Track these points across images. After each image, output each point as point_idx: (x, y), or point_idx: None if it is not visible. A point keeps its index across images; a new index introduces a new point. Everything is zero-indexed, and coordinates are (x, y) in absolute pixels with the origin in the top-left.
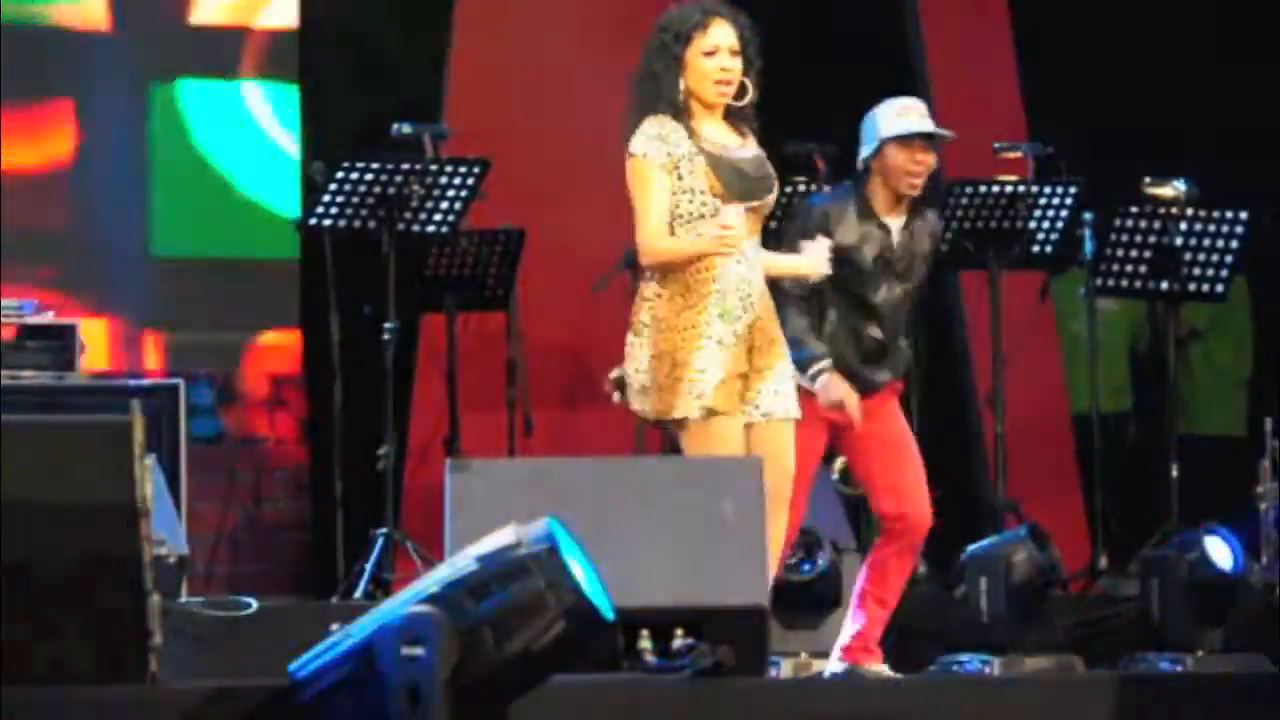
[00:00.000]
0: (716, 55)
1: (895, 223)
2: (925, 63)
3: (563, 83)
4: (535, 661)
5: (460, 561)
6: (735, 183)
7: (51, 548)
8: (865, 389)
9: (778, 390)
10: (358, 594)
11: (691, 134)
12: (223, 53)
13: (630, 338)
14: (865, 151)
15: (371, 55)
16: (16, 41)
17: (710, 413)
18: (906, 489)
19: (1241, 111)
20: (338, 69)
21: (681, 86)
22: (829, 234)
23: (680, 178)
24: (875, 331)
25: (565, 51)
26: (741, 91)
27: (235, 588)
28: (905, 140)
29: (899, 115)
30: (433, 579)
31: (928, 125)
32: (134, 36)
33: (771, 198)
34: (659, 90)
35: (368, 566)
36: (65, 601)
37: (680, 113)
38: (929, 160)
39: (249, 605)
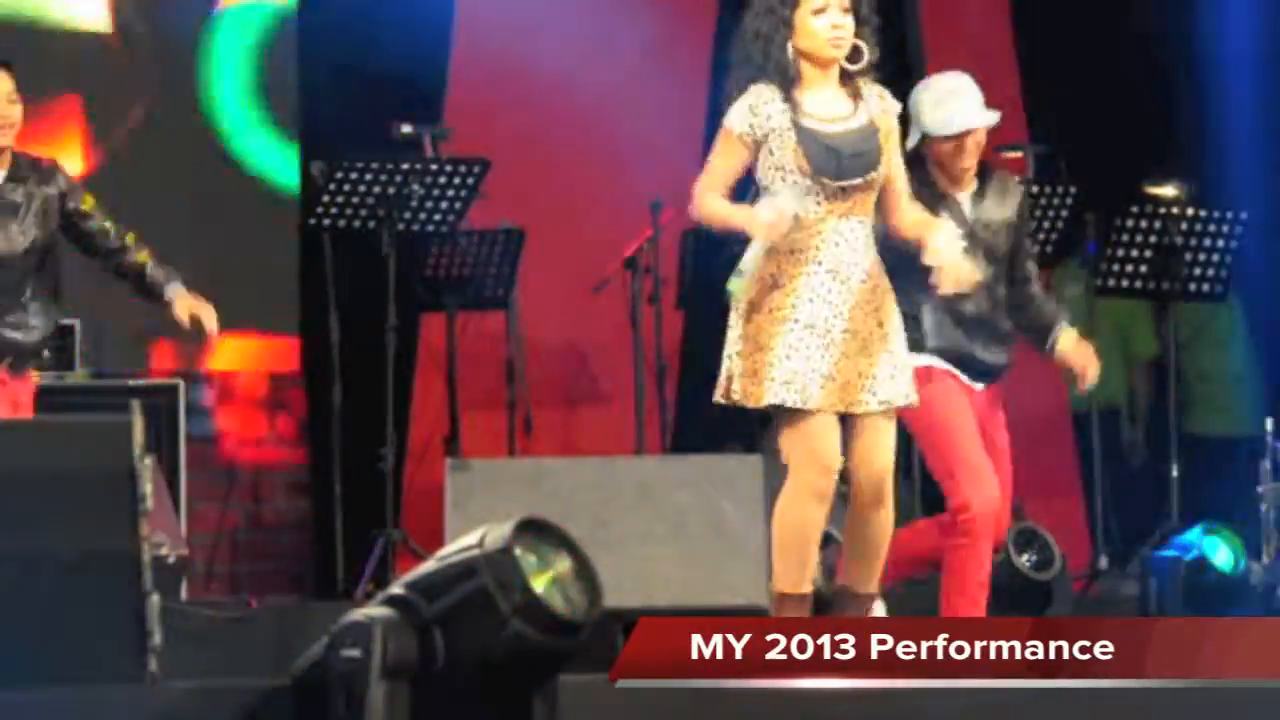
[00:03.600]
0: (826, 12)
1: (964, 195)
2: (925, 62)
3: (563, 83)
4: (496, 662)
5: (429, 562)
6: (824, 162)
7: (51, 547)
8: (985, 374)
9: (890, 375)
10: (358, 594)
11: (793, 106)
12: (224, 52)
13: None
14: (911, 140)
15: (371, 55)
16: (17, 39)
17: (805, 407)
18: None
19: (1241, 111)
20: (338, 68)
21: (790, 50)
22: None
23: (771, 153)
24: (970, 308)
25: (565, 52)
26: (856, 54)
27: (235, 588)
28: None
29: (940, 104)
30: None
31: (973, 114)
32: (133, 35)
33: (876, 174)
34: (767, 54)
35: (368, 567)
36: (65, 601)
37: (789, 79)
38: (980, 140)
39: (249, 605)
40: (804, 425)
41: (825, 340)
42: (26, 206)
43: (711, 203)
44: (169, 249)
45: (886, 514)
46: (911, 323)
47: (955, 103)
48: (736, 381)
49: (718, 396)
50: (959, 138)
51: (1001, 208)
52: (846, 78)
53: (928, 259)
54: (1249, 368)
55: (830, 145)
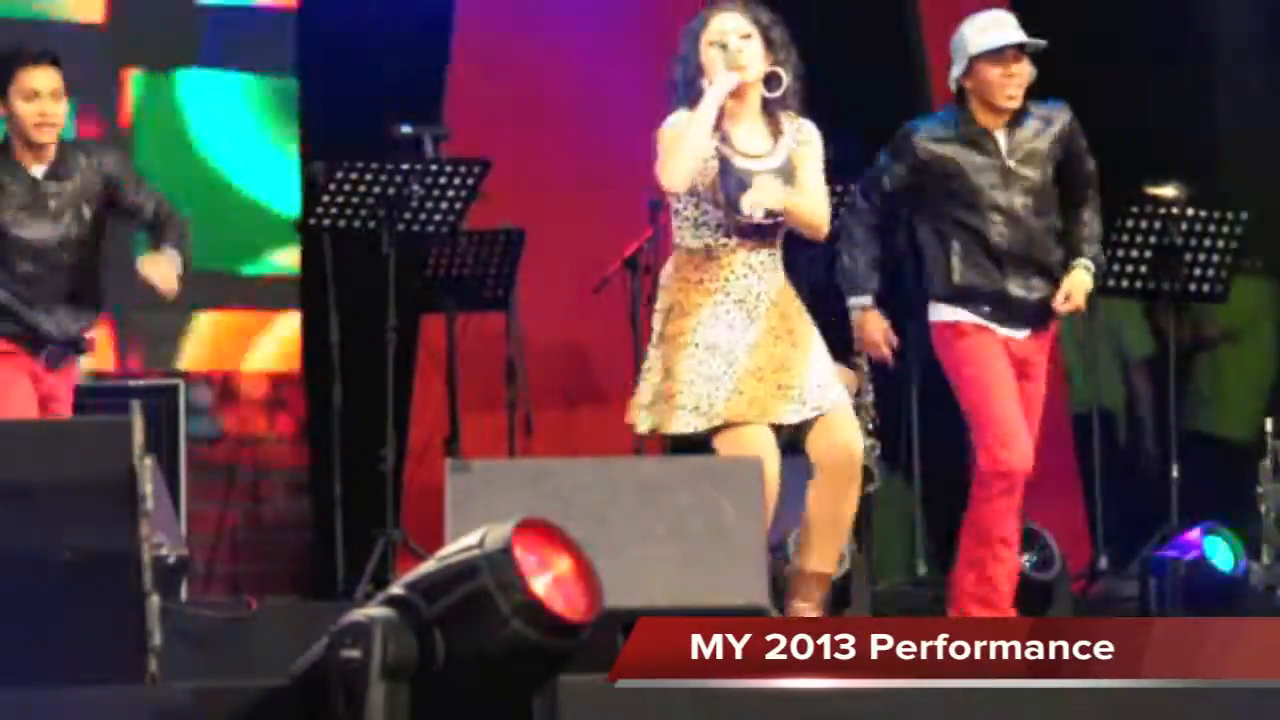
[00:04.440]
0: (721, 44)
1: (1001, 131)
2: (925, 62)
3: (563, 83)
4: (496, 662)
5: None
6: (739, 198)
7: (51, 548)
8: (1023, 314)
9: (820, 384)
10: (358, 594)
11: (721, 136)
12: (222, 52)
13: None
14: (956, 71)
15: (371, 55)
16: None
17: (711, 427)
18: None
19: (1241, 111)
20: (337, 68)
21: (703, 83)
22: (909, 155)
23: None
24: (1002, 240)
25: (565, 52)
26: (773, 81)
27: (235, 588)
28: (996, 54)
29: (985, 30)
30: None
31: (1017, 36)
32: (129, 30)
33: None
34: (684, 93)
35: (368, 567)
36: (65, 601)
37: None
38: (1023, 71)
39: (249, 605)
40: (730, 441)
41: (728, 359)
42: (65, 201)
43: (672, 148)
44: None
45: (854, 496)
46: (941, 264)
47: (1002, 27)
48: (645, 407)
49: (630, 421)
50: (1004, 61)
51: (1039, 139)
52: (768, 109)
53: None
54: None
55: (743, 181)
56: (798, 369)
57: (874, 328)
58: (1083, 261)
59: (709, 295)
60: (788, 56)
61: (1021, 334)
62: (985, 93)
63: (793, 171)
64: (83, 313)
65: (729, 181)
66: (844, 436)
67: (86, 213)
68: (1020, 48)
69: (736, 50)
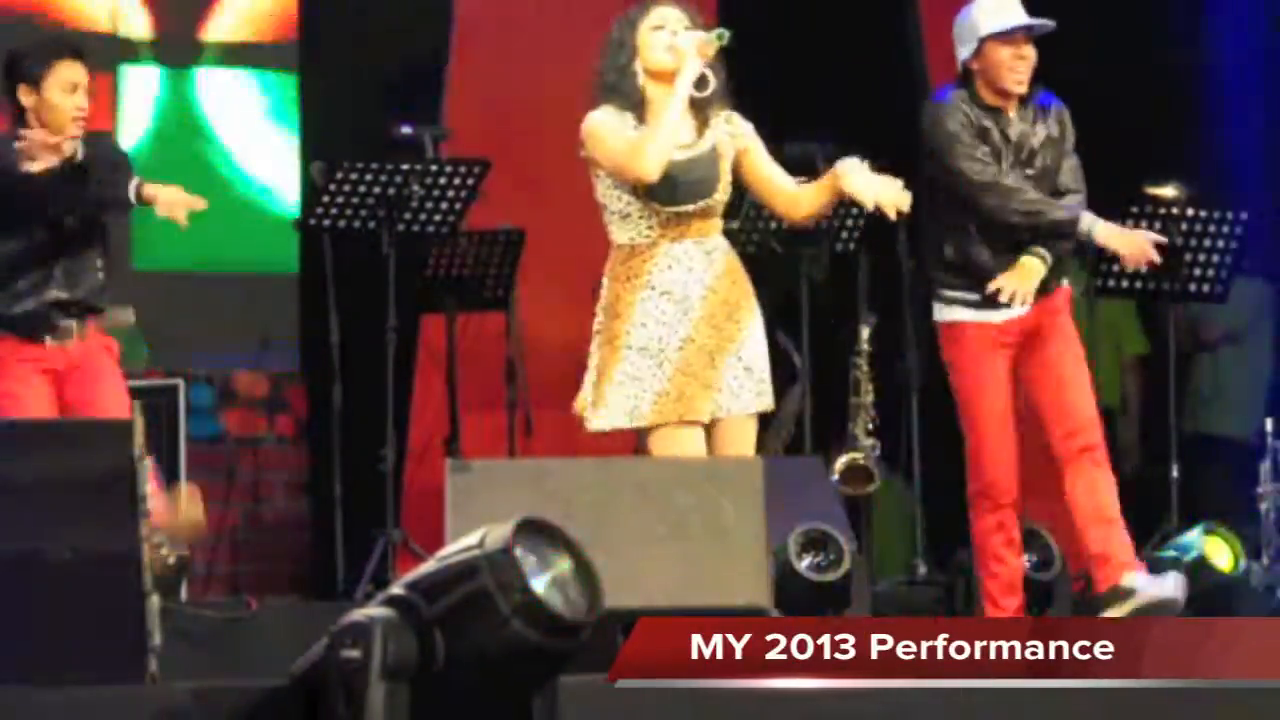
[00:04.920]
0: (664, 29)
1: (1009, 111)
2: (925, 63)
3: (563, 82)
4: (496, 662)
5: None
6: (657, 188)
7: (51, 548)
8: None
9: (740, 387)
10: (358, 594)
11: (640, 123)
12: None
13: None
14: (964, 53)
15: (371, 55)
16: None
17: (634, 426)
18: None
19: (1242, 111)
20: (338, 69)
21: (638, 71)
22: (943, 124)
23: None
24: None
25: (566, 52)
26: (702, 82)
27: (235, 588)
28: (1006, 36)
29: (995, 11)
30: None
31: (1026, 18)
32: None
33: (712, 201)
34: (616, 80)
35: (368, 567)
36: (65, 601)
37: (637, 104)
38: (1031, 54)
39: (249, 605)
40: (661, 440)
41: (658, 360)
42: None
43: (649, 132)
44: (168, 247)
45: None
46: (938, 244)
47: (1011, 10)
48: (587, 404)
49: (577, 412)
50: (1015, 43)
51: (1043, 125)
52: (696, 107)
53: (849, 188)
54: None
55: (668, 172)
56: (724, 364)
57: (1114, 229)
58: (1037, 250)
59: (636, 292)
60: (716, 57)
61: (1021, 309)
62: (993, 75)
63: (718, 160)
64: (90, 275)
65: None
66: (740, 448)
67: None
68: (1029, 30)
69: (706, 40)
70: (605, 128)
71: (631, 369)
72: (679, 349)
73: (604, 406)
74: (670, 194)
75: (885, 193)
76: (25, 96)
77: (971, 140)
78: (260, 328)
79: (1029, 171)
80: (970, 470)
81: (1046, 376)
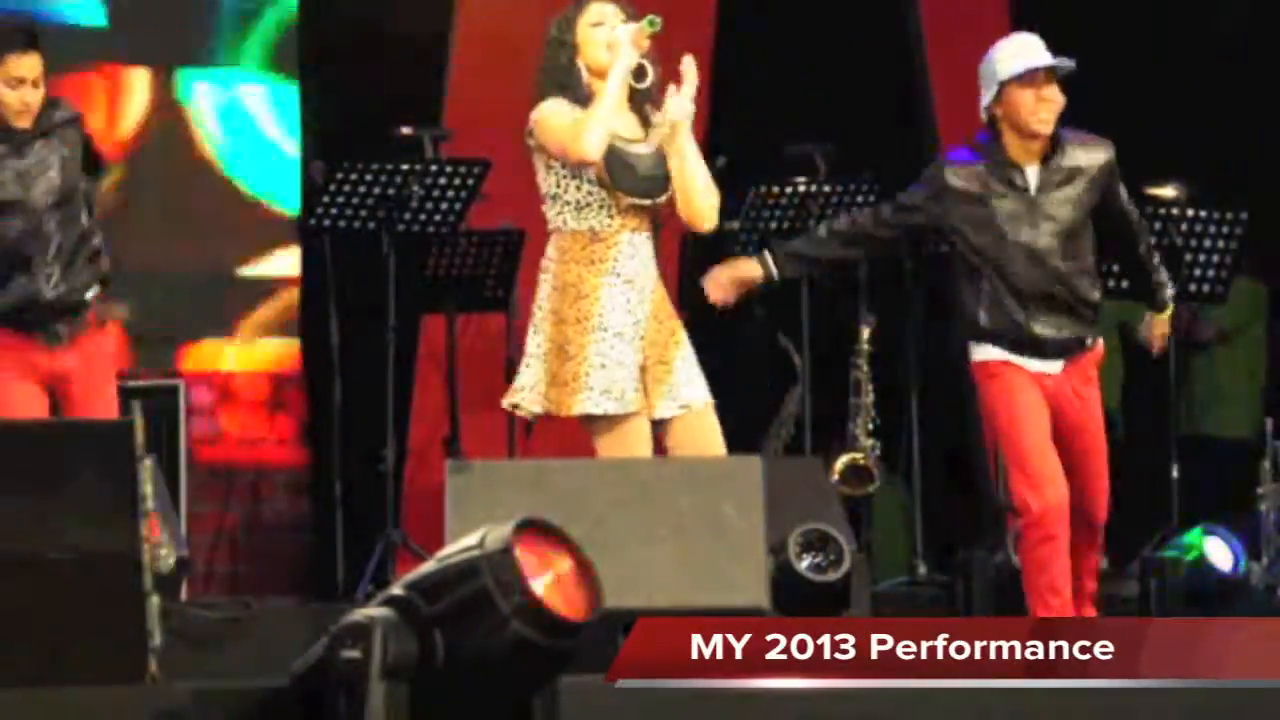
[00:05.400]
0: (603, 25)
1: (1031, 165)
2: (925, 63)
3: None
4: (496, 662)
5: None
6: (624, 177)
7: (51, 548)
8: (1053, 352)
9: (688, 380)
10: (358, 594)
11: None
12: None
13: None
14: (986, 99)
15: (371, 55)
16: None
17: (625, 412)
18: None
19: (1240, 111)
20: (338, 69)
21: (581, 67)
22: (935, 182)
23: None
24: (1026, 280)
25: None
26: (641, 73)
27: (235, 588)
28: (1027, 78)
29: (1014, 55)
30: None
31: (1046, 58)
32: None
33: (665, 197)
34: (560, 78)
35: (368, 567)
36: (65, 601)
37: (582, 97)
38: (1055, 95)
39: (249, 605)
40: (622, 431)
41: (633, 347)
42: (48, 159)
43: (588, 116)
44: (168, 248)
45: None
46: (969, 306)
47: (1030, 51)
48: (540, 389)
49: (507, 403)
50: (1035, 84)
51: (1072, 185)
52: (638, 105)
53: (663, 118)
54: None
55: (630, 163)
56: (670, 363)
57: (736, 272)
58: (1164, 310)
59: (602, 276)
60: (653, 52)
61: (1054, 367)
62: (1016, 119)
63: (664, 159)
64: (79, 276)
65: (613, 162)
66: (709, 437)
67: (72, 165)
68: (1051, 70)
69: (640, 29)
70: (553, 114)
71: (612, 352)
72: (640, 338)
73: (588, 390)
74: (634, 183)
75: (672, 108)
76: None
77: (896, 198)
78: (260, 327)
79: (1056, 225)
80: (1016, 498)
81: (1063, 449)
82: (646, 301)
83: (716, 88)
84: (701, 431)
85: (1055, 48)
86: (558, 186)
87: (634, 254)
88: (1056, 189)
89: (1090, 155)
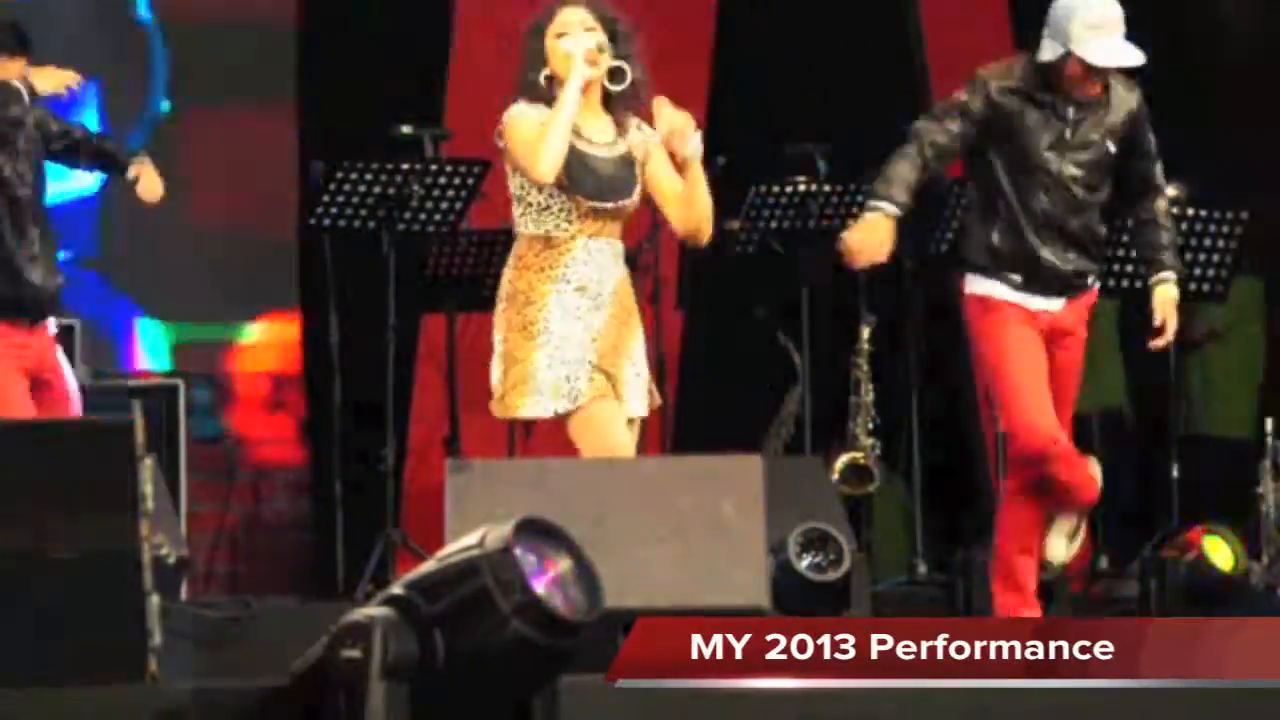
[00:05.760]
0: (569, 34)
1: (1068, 99)
2: (925, 63)
3: None
4: (496, 662)
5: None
6: (584, 180)
7: (51, 547)
8: (1056, 284)
9: (632, 391)
10: (358, 594)
11: None
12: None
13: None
14: (1046, 52)
15: (371, 55)
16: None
17: (577, 405)
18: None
19: (1241, 111)
20: (337, 69)
21: (544, 75)
22: (982, 93)
23: None
24: (1043, 204)
25: None
26: (618, 74)
27: (235, 588)
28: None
29: (1096, 29)
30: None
31: (1125, 56)
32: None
33: (629, 202)
34: (529, 84)
35: (368, 567)
36: (65, 601)
37: (551, 105)
38: (1108, 75)
39: (249, 605)
40: (586, 420)
41: (580, 350)
42: (22, 142)
43: (541, 139)
44: (168, 248)
45: None
46: (979, 230)
47: (1111, 37)
48: (501, 394)
49: (495, 410)
50: (1100, 69)
51: (1108, 113)
52: (610, 104)
53: (661, 125)
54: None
55: (591, 166)
56: (621, 369)
57: (873, 234)
58: (1168, 275)
59: (552, 283)
60: (631, 53)
61: (1055, 304)
62: (1065, 83)
63: (634, 162)
64: (53, 261)
65: (573, 165)
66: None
67: (38, 147)
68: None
69: (594, 49)
70: (521, 122)
71: (558, 354)
72: (593, 341)
73: (532, 395)
74: (595, 188)
75: (673, 123)
76: None
77: (946, 113)
78: (260, 327)
79: (1082, 157)
80: (1012, 433)
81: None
82: (603, 307)
83: (716, 88)
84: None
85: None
86: (522, 189)
87: (588, 260)
88: (1093, 116)
89: (1130, 94)
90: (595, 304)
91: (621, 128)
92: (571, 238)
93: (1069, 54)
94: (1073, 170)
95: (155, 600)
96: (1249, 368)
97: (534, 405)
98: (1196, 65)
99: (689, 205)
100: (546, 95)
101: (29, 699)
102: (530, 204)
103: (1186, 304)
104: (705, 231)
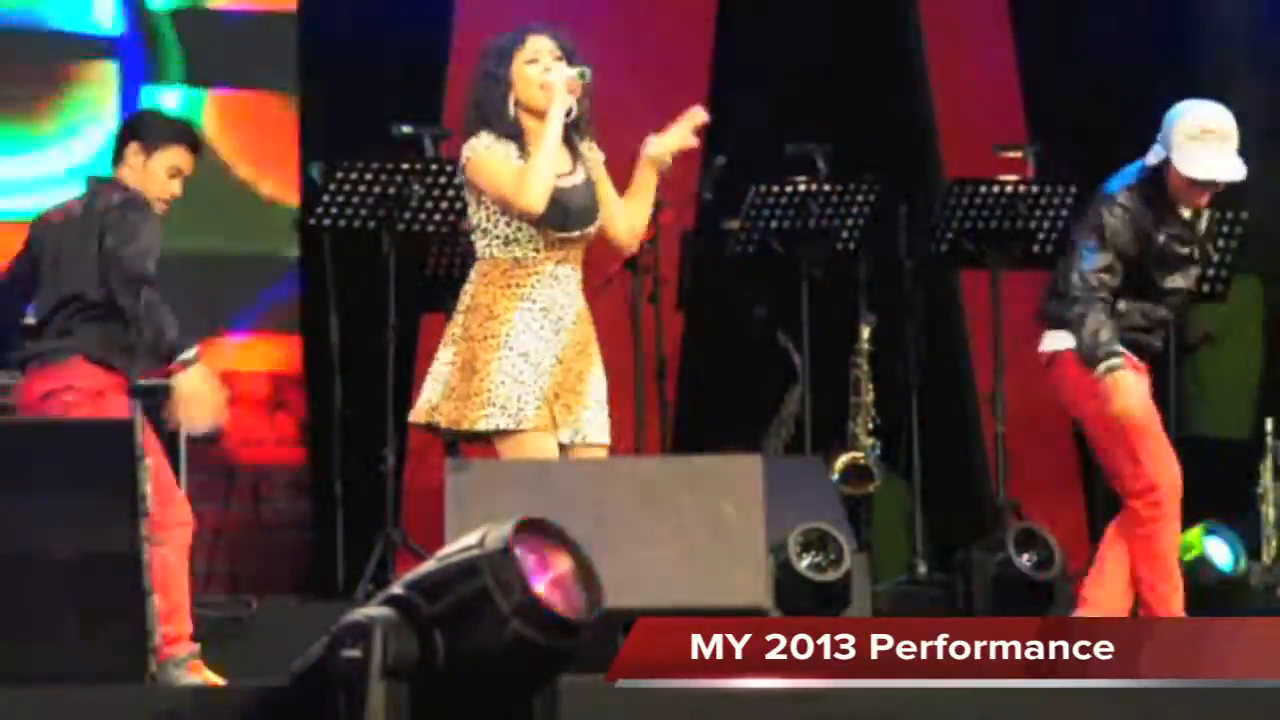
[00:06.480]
0: (539, 61)
1: (1189, 212)
2: (925, 63)
3: None
4: (496, 662)
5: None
6: (554, 214)
7: (51, 547)
8: (1147, 358)
9: (592, 418)
10: (358, 594)
11: (523, 153)
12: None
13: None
14: (1153, 159)
15: (371, 55)
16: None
17: (518, 428)
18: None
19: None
20: (337, 69)
21: (511, 102)
22: (1136, 226)
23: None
24: (1164, 314)
25: None
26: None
27: (235, 588)
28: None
29: (1196, 142)
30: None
31: (1225, 170)
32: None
33: (592, 229)
34: (491, 112)
35: (368, 567)
36: (65, 601)
37: (514, 133)
38: (1216, 188)
39: (249, 605)
40: (518, 445)
41: (538, 369)
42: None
43: (529, 170)
44: (169, 249)
45: None
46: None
47: (1213, 150)
48: (443, 404)
49: (416, 419)
50: (1201, 184)
51: (1211, 227)
52: (566, 137)
53: (653, 154)
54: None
55: (559, 199)
56: (582, 395)
57: (1138, 387)
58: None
59: (517, 301)
60: (586, 82)
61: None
62: (1174, 192)
63: (594, 188)
64: None
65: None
66: None
67: None
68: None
69: (575, 78)
70: (491, 157)
71: (513, 370)
72: (551, 365)
73: (489, 407)
74: (564, 220)
75: (676, 137)
76: (133, 155)
77: (1111, 244)
78: (260, 327)
79: (1196, 271)
80: (1143, 482)
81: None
82: (564, 331)
83: (716, 88)
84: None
85: (1056, 47)
86: (488, 220)
87: (554, 284)
88: (1200, 237)
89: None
90: (556, 328)
91: (575, 153)
92: (540, 262)
93: (1169, 161)
94: (1189, 279)
95: (155, 600)
96: (1247, 368)
97: (485, 419)
98: (1198, 65)
99: (630, 218)
100: (508, 123)
101: (29, 699)
102: (496, 236)
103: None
104: (632, 247)
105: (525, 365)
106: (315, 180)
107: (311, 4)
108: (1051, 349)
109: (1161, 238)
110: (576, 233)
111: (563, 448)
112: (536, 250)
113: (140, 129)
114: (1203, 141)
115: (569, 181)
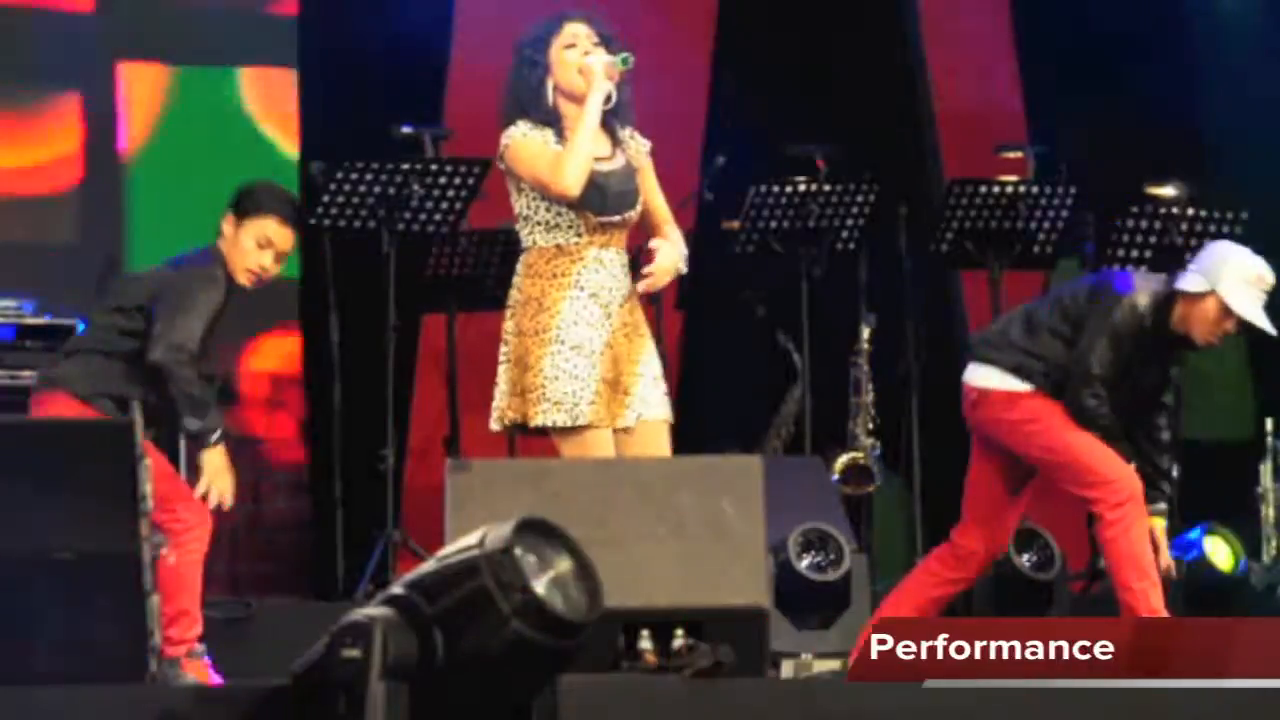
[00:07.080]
0: (577, 46)
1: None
2: (925, 63)
3: None
4: (496, 662)
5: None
6: (590, 197)
7: (51, 547)
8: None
9: (649, 394)
10: (358, 594)
11: (560, 139)
12: (222, 50)
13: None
14: (1189, 283)
15: (371, 55)
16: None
17: (575, 425)
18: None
19: (1241, 111)
20: (338, 68)
21: (550, 87)
22: (1141, 329)
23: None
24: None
25: None
26: (609, 96)
27: (235, 588)
28: (1232, 314)
29: (1251, 287)
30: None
31: (1260, 318)
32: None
33: (634, 213)
34: (529, 98)
35: (368, 567)
36: (65, 601)
37: (552, 119)
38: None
39: (249, 605)
40: (579, 442)
41: (590, 360)
42: None
43: (567, 153)
44: (168, 250)
45: None
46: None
47: (1259, 297)
48: (507, 400)
49: (494, 426)
50: (1235, 319)
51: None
52: (606, 123)
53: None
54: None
55: (597, 182)
56: (636, 373)
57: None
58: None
59: (565, 290)
60: (623, 70)
61: None
62: (1193, 324)
63: (634, 174)
64: None
65: (584, 185)
66: (656, 453)
67: None
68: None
69: (613, 63)
70: (528, 144)
71: (568, 365)
72: (602, 352)
73: (544, 402)
74: (602, 204)
75: (662, 269)
76: (227, 224)
77: (1116, 347)
78: (260, 327)
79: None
80: (1103, 489)
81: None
82: (614, 315)
83: (716, 88)
84: (648, 447)
85: (1056, 47)
86: (529, 208)
87: (600, 269)
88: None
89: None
90: (606, 313)
91: (616, 139)
92: (584, 247)
93: (1210, 293)
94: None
95: (155, 600)
96: (1247, 369)
97: (541, 414)
98: (1198, 64)
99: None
100: (545, 109)
101: (30, 699)
102: (539, 222)
103: None
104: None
105: (578, 358)
106: (315, 180)
107: (312, 4)
108: (981, 386)
109: (1153, 367)
110: (617, 217)
111: (627, 430)
112: (579, 236)
113: (237, 198)
114: (1257, 288)
115: (608, 166)
